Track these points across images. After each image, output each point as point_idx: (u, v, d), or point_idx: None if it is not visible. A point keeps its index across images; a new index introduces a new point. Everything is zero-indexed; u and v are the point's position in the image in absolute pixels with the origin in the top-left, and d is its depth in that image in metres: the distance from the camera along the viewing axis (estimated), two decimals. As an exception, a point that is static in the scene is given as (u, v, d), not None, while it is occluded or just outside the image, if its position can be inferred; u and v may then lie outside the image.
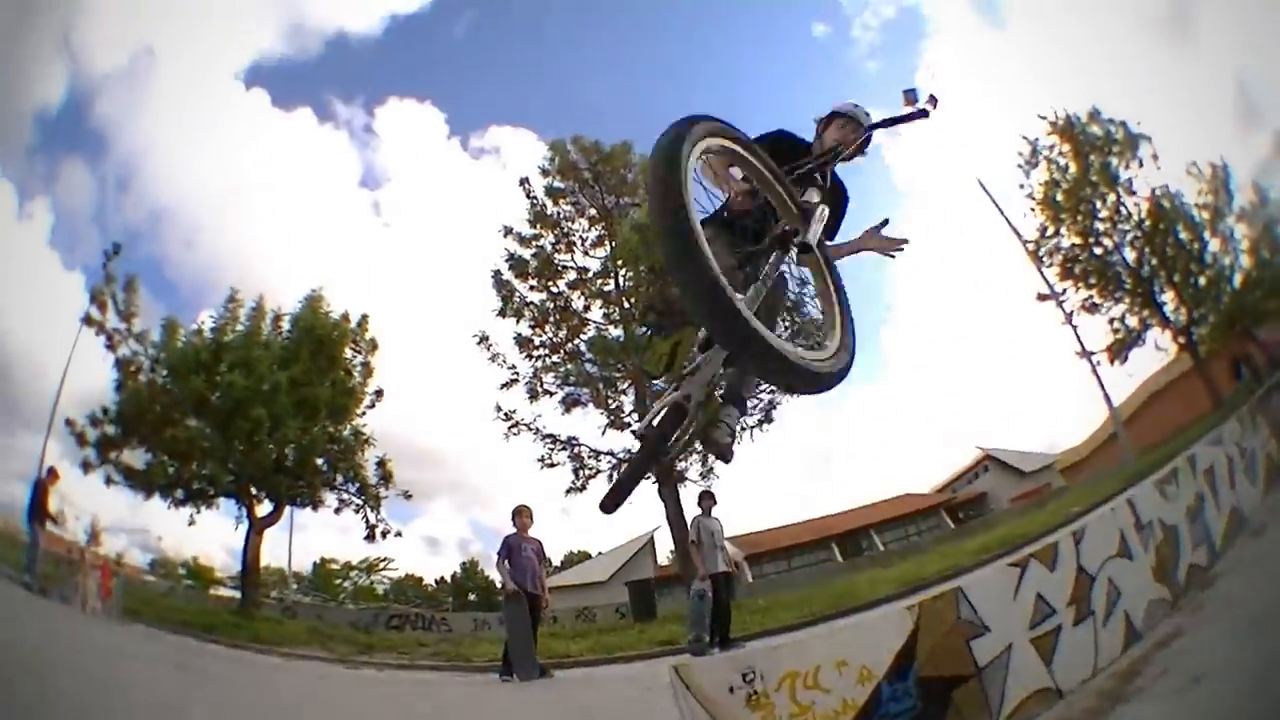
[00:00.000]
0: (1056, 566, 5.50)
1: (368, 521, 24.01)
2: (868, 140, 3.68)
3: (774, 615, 15.17)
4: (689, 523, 12.33)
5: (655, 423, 3.31)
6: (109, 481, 22.44)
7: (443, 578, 70.71)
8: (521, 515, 10.73)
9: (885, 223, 3.86)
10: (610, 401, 24.04)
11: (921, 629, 5.15)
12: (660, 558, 44.15)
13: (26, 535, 14.63)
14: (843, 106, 3.89)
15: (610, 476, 23.92)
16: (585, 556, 51.90)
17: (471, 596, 64.58)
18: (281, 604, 30.76)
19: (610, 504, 3.48)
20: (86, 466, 22.19)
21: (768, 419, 23.18)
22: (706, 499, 11.94)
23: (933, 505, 39.59)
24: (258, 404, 20.01)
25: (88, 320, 22.74)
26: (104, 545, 28.14)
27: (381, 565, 57.32)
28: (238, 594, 24.50)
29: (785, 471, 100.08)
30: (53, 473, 15.30)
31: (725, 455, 3.34)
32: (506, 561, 10.34)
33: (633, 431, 3.35)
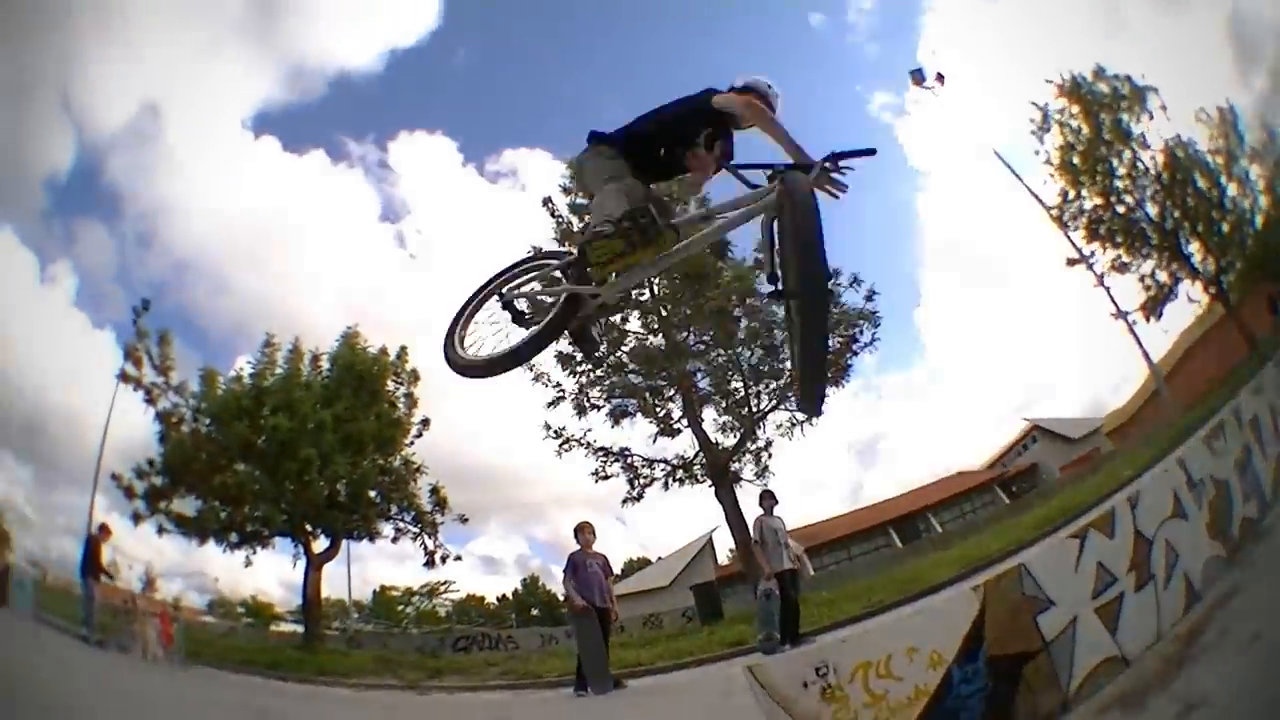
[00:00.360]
0: (1115, 534, 5.56)
1: (426, 548, 24.34)
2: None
3: (841, 607, 15.23)
4: (751, 523, 12.56)
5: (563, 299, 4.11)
6: (161, 531, 22.87)
7: (504, 595, 71.37)
8: (584, 532, 10.92)
9: (835, 161, 3.91)
10: (658, 409, 24.39)
11: (988, 609, 5.19)
12: (720, 557, 44.53)
13: (81, 590, 14.89)
14: (755, 82, 4.22)
15: (665, 484, 24.30)
16: (645, 563, 52.19)
17: (534, 611, 65.17)
18: (345, 634, 31.28)
19: (510, 363, 4.22)
20: (137, 518, 22.66)
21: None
22: (768, 498, 12.14)
23: (985, 482, 39.52)
24: (305, 444, 20.38)
25: (124, 377, 23.33)
26: (160, 591, 28.90)
27: (443, 588, 57.87)
28: (299, 628, 25.09)
29: (835, 461, 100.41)
30: (104, 529, 15.67)
31: (591, 354, 4.07)
32: (573, 579, 10.49)
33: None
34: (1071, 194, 26.97)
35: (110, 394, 27.00)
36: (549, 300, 4.36)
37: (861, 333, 23.04)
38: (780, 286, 3.93)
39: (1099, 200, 26.62)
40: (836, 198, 3.95)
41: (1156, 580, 5.64)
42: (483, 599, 68.10)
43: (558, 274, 4.45)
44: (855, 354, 23.25)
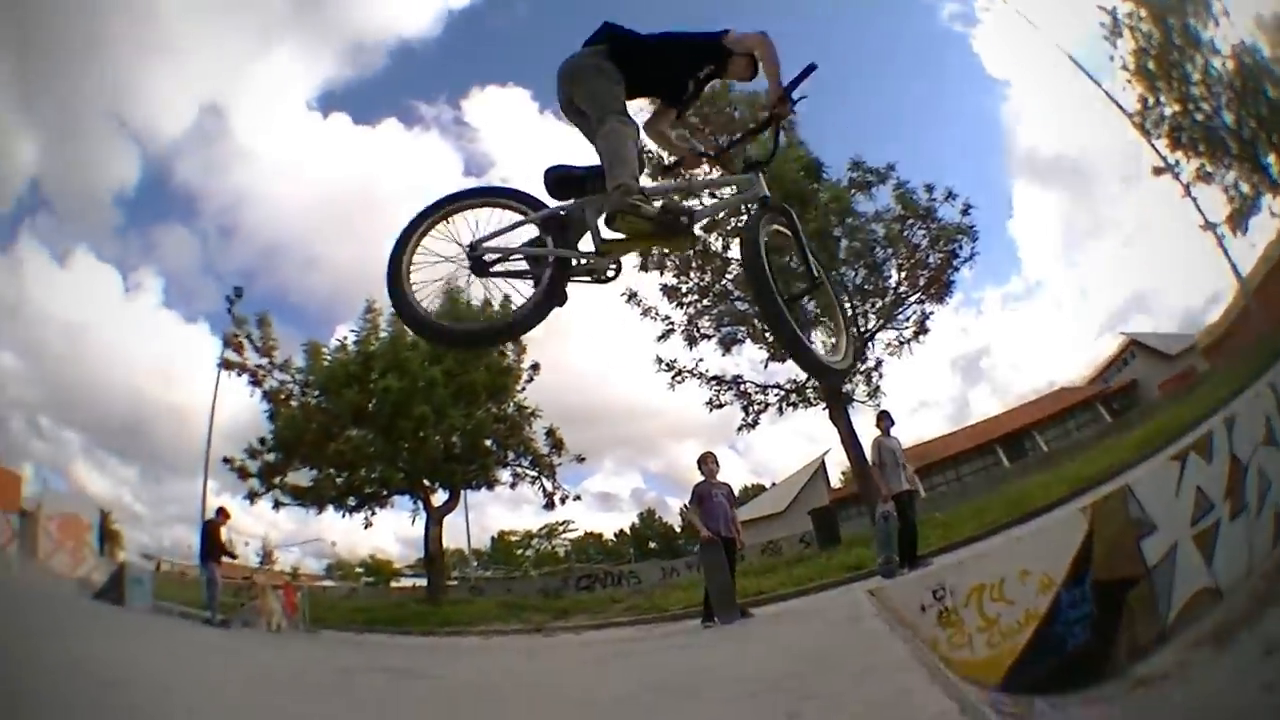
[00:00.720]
0: (1213, 458, 5.68)
1: (545, 490, 25.12)
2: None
3: (954, 529, 15.31)
4: (867, 444, 12.50)
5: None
6: (277, 505, 24.33)
7: (621, 531, 73.00)
8: (708, 462, 10.84)
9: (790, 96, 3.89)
10: (767, 335, 24.15)
11: (1095, 531, 5.42)
12: (833, 480, 44.95)
13: (202, 574, 15.57)
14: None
15: (779, 409, 24.85)
16: (760, 490, 52.87)
17: (652, 545, 66.56)
18: (467, 583, 32.59)
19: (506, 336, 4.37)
20: (253, 496, 24.10)
21: (922, 330, 23.52)
22: (884, 419, 12.03)
23: (1088, 399, 39.31)
24: (418, 402, 21.21)
25: (226, 364, 24.71)
26: (278, 563, 30.57)
27: (561, 529, 59.68)
28: (421, 582, 26.37)
29: (940, 380, 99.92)
30: (223, 512, 16.19)
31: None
32: (698, 509, 10.50)
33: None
34: (1150, 100, 26.43)
35: (212, 383, 28.50)
36: (532, 262, 3.92)
37: (961, 247, 23.00)
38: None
39: (1177, 107, 26.04)
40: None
41: (1249, 509, 5.76)
42: (600, 536, 69.82)
43: (533, 228, 3.98)
44: (956, 269, 23.24)
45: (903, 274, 23.44)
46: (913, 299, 23.33)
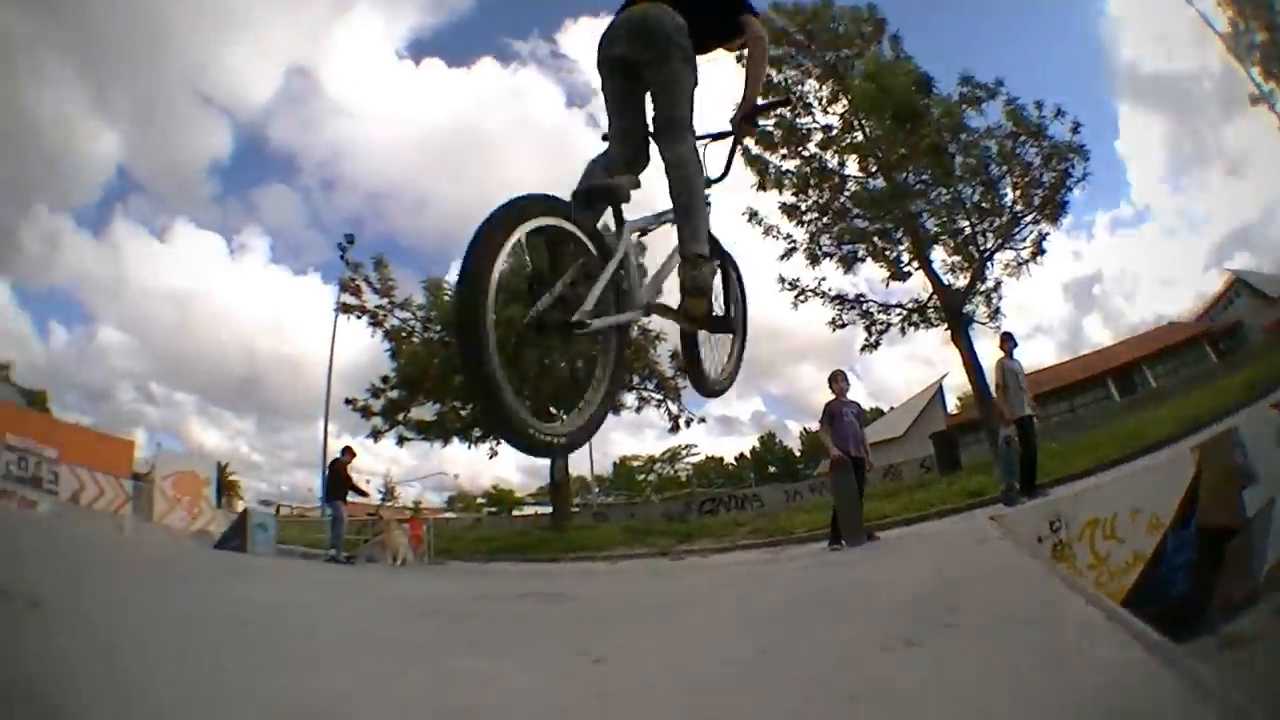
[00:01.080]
0: None
1: (670, 413, 26.32)
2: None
3: (1070, 460, 15.16)
4: (990, 367, 12.39)
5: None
6: (402, 441, 25.97)
7: (742, 454, 73.84)
8: (838, 380, 10.78)
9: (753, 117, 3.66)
10: (888, 253, 24.62)
11: (1203, 473, 5.45)
12: (949, 406, 44.85)
13: (328, 513, 16.42)
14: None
15: (902, 329, 24.91)
16: (878, 414, 52.94)
17: (772, 469, 67.23)
18: (590, 510, 33.68)
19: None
20: (376, 434, 25.81)
21: (1039, 250, 23.24)
22: (1008, 340, 11.89)
23: (1195, 336, 38.95)
24: None
25: (344, 308, 26.03)
26: (400, 498, 32.07)
27: (685, 452, 60.64)
28: (542, 510, 27.51)
29: (1053, 307, 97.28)
30: (348, 451, 16.70)
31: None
32: (830, 428, 10.47)
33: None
34: (1241, 25, 25.72)
35: (327, 331, 29.95)
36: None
37: (1073, 167, 22.62)
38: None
39: (1264, 35, 25.23)
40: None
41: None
42: (721, 460, 70.72)
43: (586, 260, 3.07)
44: (1069, 189, 22.88)
45: (1017, 193, 23.02)
46: (1028, 219, 22.94)
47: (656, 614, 3.37)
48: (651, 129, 3.44)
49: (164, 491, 22.70)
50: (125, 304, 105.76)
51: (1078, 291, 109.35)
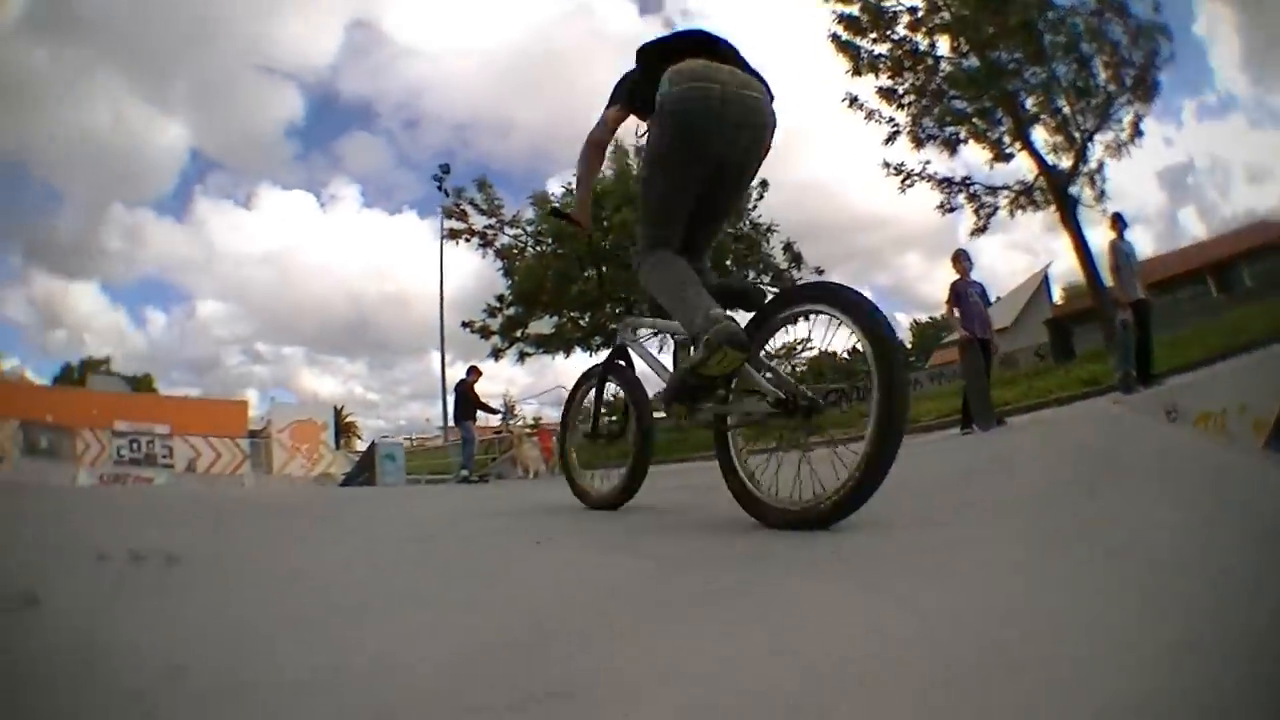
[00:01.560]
0: None
1: None
2: None
3: (1182, 351, 14.93)
4: (1104, 248, 11.91)
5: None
6: (523, 357, 26.67)
7: (854, 348, 74.44)
8: (960, 260, 10.66)
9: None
10: (989, 134, 24.50)
11: None
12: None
13: (462, 433, 16.51)
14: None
15: (1010, 211, 24.83)
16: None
17: None
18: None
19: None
20: (497, 353, 26.53)
21: (1137, 131, 23.13)
22: (1118, 221, 11.49)
23: None
24: None
25: (451, 234, 26.75)
26: (520, 417, 33.20)
27: (800, 347, 61.31)
28: (659, 414, 28.50)
29: (1150, 194, 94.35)
30: (474, 370, 16.93)
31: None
32: (956, 309, 10.43)
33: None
34: None
35: (430, 263, 30.61)
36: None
37: (1159, 46, 22.47)
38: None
39: None
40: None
41: None
42: (834, 354, 71.74)
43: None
44: (1158, 68, 22.68)
45: (1109, 72, 22.81)
46: (1122, 99, 22.77)
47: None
48: (706, 231, 3.44)
49: (281, 443, 24.10)
50: (220, 276, 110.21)
51: (1172, 181, 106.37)
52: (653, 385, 4.04)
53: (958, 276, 10.64)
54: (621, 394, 4.08)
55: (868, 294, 2.58)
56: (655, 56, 3.25)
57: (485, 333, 26.88)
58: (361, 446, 33.56)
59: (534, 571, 2.31)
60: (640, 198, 3.34)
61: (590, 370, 4.32)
